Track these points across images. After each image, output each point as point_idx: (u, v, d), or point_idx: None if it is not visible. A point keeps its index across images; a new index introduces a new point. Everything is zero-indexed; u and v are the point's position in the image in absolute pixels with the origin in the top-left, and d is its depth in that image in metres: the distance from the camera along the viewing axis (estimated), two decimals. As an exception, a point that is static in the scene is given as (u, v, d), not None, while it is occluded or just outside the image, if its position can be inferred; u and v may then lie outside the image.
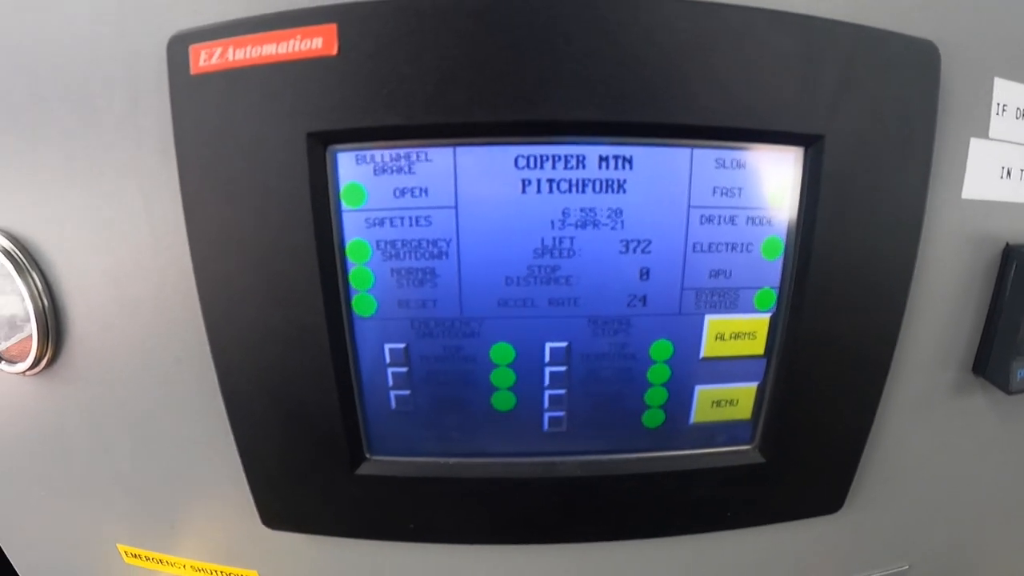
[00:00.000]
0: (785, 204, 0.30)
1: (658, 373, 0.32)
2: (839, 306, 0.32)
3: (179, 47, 0.27)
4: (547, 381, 0.31)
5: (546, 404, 0.32)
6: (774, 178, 0.30)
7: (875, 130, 0.29)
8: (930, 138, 0.31)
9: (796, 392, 0.33)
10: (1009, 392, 0.36)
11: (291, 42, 0.26)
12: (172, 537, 0.37)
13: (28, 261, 0.33)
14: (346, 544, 0.36)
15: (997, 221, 0.36)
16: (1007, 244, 0.37)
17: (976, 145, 0.34)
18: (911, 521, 0.42)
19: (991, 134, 0.34)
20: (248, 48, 0.27)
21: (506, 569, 0.38)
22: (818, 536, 0.40)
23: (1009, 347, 0.36)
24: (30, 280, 0.33)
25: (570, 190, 0.28)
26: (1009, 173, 0.35)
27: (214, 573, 0.37)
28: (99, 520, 0.39)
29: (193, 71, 0.27)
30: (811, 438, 0.34)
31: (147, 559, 0.38)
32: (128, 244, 0.32)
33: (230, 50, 0.27)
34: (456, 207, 0.28)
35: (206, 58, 0.27)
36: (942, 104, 0.31)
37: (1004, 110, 0.34)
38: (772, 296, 0.31)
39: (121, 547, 0.39)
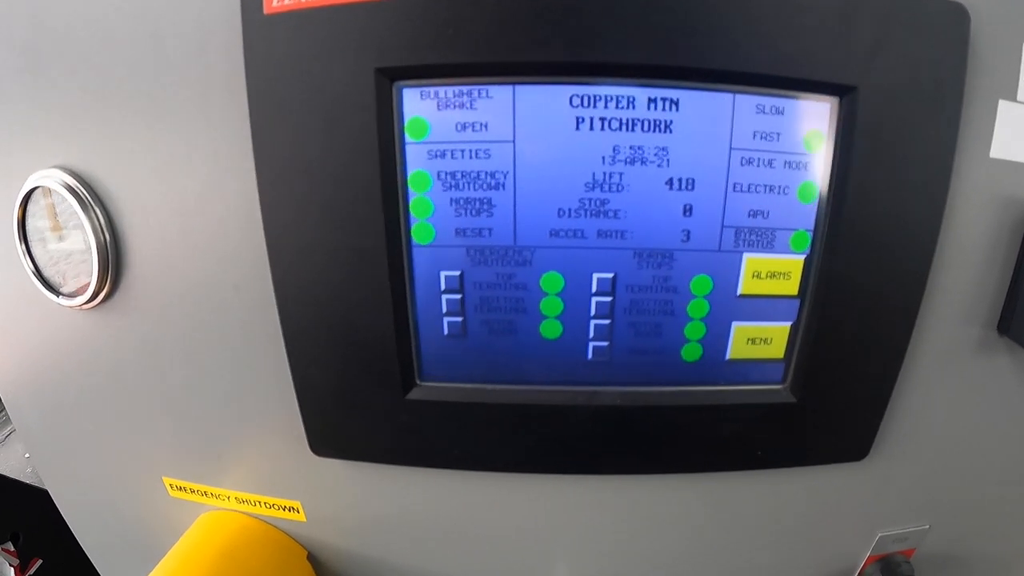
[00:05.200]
0: (821, 151, 0.34)
1: (697, 308, 0.36)
2: (870, 251, 0.36)
3: None
4: (593, 311, 0.35)
5: (591, 333, 0.36)
6: (811, 125, 0.34)
7: (906, 86, 0.33)
8: (959, 97, 0.34)
9: (827, 334, 0.37)
10: None
11: (362, -17, 0.31)
12: (218, 468, 0.41)
13: (91, 197, 0.37)
14: (387, 473, 0.40)
15: (1020, 183, 0.39)
16: None
17: (1004, 107, 0.37)
18: (933, 478, 0.46)
19: (1019, 97, 0.37)
20: (320, -12, 0.31)
21: (540, 501, 0.42)
22: (842, 487, 0.44)
23: None
24: (93, 215, 0.37)
25: (620, 128, 0.32)
26: None
27: (258, 504, 0.41)
28: (146, 453, 0.43)
29: (266, 11, 0.31)
30: (840, 381, 0.38)
31: (192, 491, 0.42)
32: (192, 177, 0.36)
33: (303, -10, 0.31)
34: (514, 141, 0.32)
35: (279, -2, 0.31)
36: (973, 66, 0.34)
37: None
38: (807, 238, 0.36)
39: (167, 480, 0.43)
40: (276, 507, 0.41)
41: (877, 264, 0.36)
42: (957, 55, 0.34)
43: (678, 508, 0.44)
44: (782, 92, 0.33)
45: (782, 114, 0.34)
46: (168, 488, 0.43)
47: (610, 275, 0.35)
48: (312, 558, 0.44)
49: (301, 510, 0.42)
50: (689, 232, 0.34)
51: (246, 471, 0.41)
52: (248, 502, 0.42)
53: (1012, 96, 0.37)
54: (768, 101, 0.33)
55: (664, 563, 0.47)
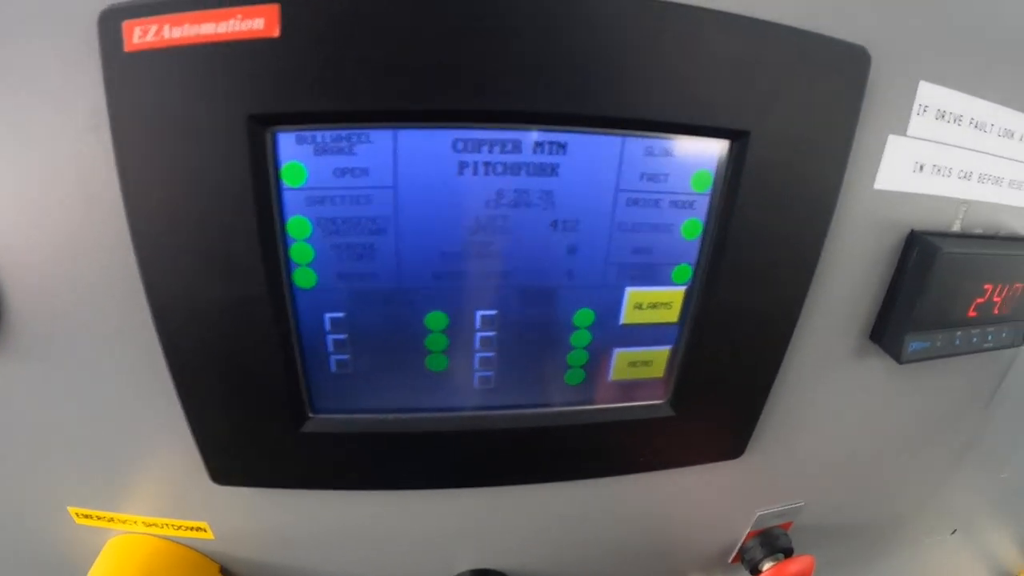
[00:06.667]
0: (707, 190, 0.35)
1: (580, 337, 0.37)
2: (749, 282, 0.37)
3: (112, 22, 0.27)
4: (477, 345, 0.36)
5: (476, 365, 0.37)
6: (699, 166, 0.34)
7: (800, 127, 0.33)
8: (850, 136, 0.35)
9: (704, 355, 0.39)
10: (900, 362, 0.43)
11: (231, 22, 0.27)
12: (123, 496, 0.41)
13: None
14: (292, 493, 0.41)
15: (905, 209, 0.41)
16: (912, 230, 0.42)
17: (893, 142, 0.38)
18: (808, 465, 0.51)
19: (909, 132, 0.38)
20: (185, 26, 0.27)
21: (442, 510, 0.44)
22: (723, 479, 0.48)
23: (904, 322, 0.43)
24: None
25: (505, 173, 0.32)
26: (921, 168, 0.41)
27: (165, 527, 0.42)
28: (49, 486, 0.41)
29: (127, 48, 0.28)
30: (716, 395, 0.41)
31: (98, 518, 0.42)
32: (65, 221, 0.32)
33: (166, 27, 0.27)
34: (395, 187, 0.32)
35: (140, 35, 0.27)
36: (867, 103, 0.35)
37: (925, 110, 0.39)
38: (688, 271, 0.37)
39: (72, 509, 0.42)
40: (183, 528, 0.42)
41: (755, 292, 0.38)
42: (854, 95, 0.34)
43: (574, 506, 0.47)
44: (673, 135, 0.33)
45: (671, 156, 0.34)
46: (74, 516, 0.42)
47: (493, 312, 0.35)
48: (225, 571, 0.45)
49: (208, 529, 0.42)
50: (572, 271, 0.35)
51: (150, 498, 0.41)
52: (156, 525, 0.42)
53: (902, 131, 0.38)
54: (658, 143, 0.33)
55: (564, 554, 0.50)
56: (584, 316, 0.36)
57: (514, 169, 0.32)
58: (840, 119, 0.35)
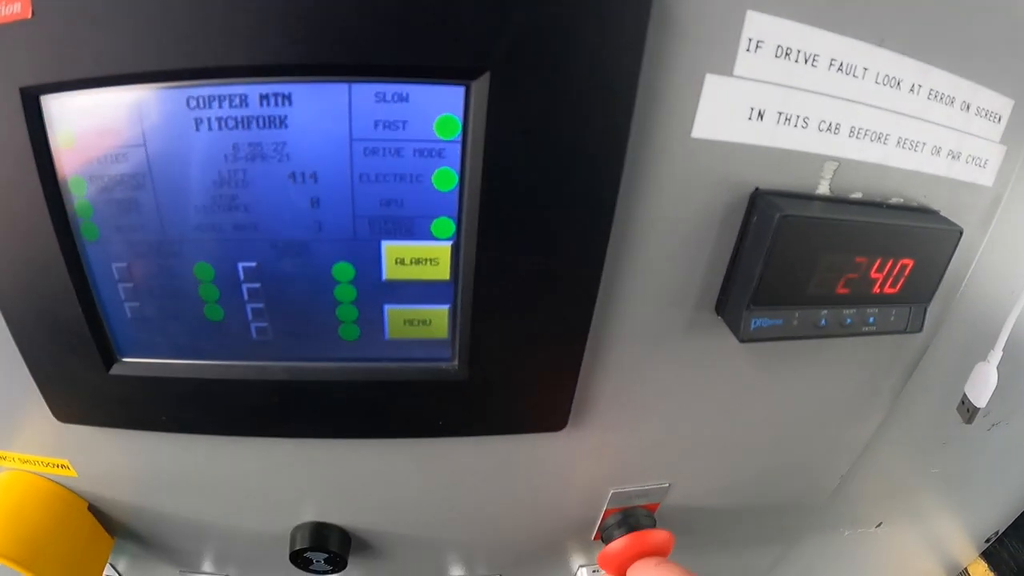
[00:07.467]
0: (455, 137, 0.34)
1: (345, 292, 0.38)
2: (525, 240, 0.36)
3: None
4: (246, 296, 0.38)
5: (250, 316, 0.38)
6: (442, 110, 0.34)
7: (558, 65, 0.32)
8: (633, 75, 0.33)
9: (487, 316, 0.38)
10: (741, 340, 0.39)
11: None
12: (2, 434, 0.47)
13: None
14: (131, 434, 0.45)
15: (745, 164, 0.37)
16: (756, 189, 0.38)
17: (714, 83, 0.35)
18: (662, 443, 0.46)
19: (737, 72, 0.35)
20: (-35, 14, 0.34)
21: (273, 456, 0.46)
22: (561, 452, 0.45)
23: (744, 296, 0.38)
24: None
25: (237, 127, 0.34)
26: (761, 115, 0.36)
27: (36, 463, 0.47)
28: None
29: None
30: (511, 361, 0.39)
31: (-13, 454, 0.49)
32: None
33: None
34: (144, 145, 0.35)
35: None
36: (668, 37, 0.33)
37: (759, 47, 0.34)
38: (450, 225, 0.36)
39: None
40: (49, 465, 0.47)
41: (536, 251, 0.36)
42: (635, 28, 0.32)
43: (399, 467, 0.47)
44: (403, 79, 0.33)
45: (407, 101, 0.34)
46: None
47: (253, 264, 0.37)
48: (93, 508, 0.50)
49: (70, 466, 0.47)
50: (320, 223, 0.36)
51: (18, 434, 0.47)
52: (29, 462, 0.47)
53: (727, 71, 0.35)
54: (390, 88, 0.33)
55: (418, 515, 0.50)
56: (343, 270, 0.37)
57: (244, 123, 0.34)
58: (618, 54, 0.32)
